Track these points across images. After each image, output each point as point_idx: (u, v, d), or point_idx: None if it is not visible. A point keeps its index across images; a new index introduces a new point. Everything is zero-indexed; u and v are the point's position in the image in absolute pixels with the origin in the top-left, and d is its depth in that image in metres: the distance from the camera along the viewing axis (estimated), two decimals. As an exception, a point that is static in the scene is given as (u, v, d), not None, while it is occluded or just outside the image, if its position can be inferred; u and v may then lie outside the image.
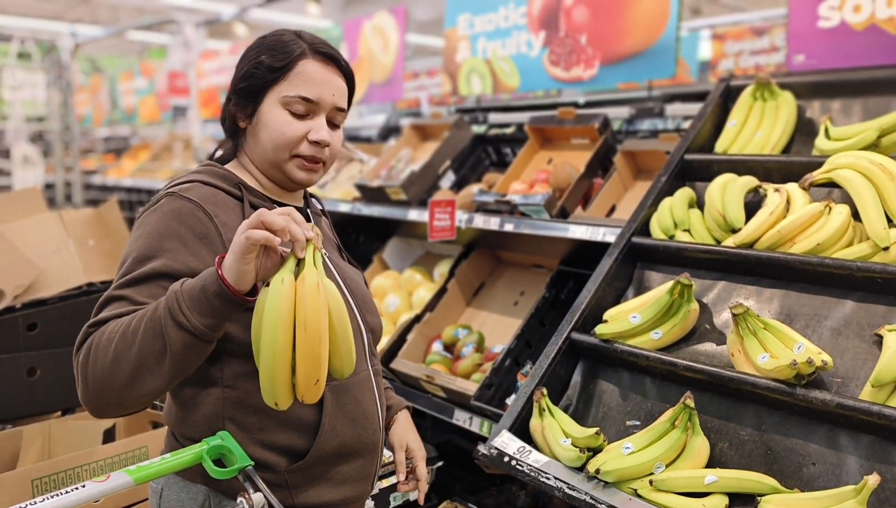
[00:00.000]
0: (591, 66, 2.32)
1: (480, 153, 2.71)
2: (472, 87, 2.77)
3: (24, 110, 6.25)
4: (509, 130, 2.65)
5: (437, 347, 2.27)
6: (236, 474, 1.08)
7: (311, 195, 1.42)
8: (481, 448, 1.38)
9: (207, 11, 8.88)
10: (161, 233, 1.12)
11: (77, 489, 1.00)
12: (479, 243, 2.53)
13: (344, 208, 2.63)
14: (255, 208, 1.20)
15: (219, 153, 1.33)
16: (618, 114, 2.48)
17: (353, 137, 3.47)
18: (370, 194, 2.55)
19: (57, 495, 0.99)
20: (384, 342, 2.29)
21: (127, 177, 5.94)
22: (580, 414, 1.48)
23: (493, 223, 2.19)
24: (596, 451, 1.31)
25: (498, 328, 2.37)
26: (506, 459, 1.34)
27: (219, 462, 1.10)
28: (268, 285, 1.01)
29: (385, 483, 2.00)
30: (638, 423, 1.37)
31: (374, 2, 7.87)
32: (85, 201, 6.44)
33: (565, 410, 1.49)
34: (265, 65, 1.21)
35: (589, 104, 2.78)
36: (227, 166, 1.28)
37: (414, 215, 2.40)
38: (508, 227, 2.15)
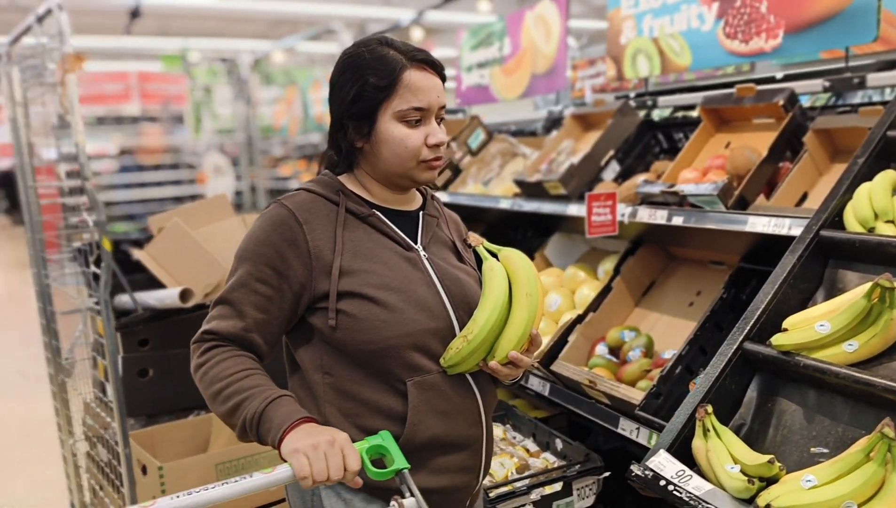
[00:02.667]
0: (774, 35, 2.05)
1: (649, 140, 2.52)
2: (639, 69, 2.57)
3: (213, 124, 6.96)
4: (681, 114, 2.43)
5: (601, 349, 2.14)
6: (392, 476, 1.09)
7: (432, 196, 1.47)
8: (634, 469, 1.25)
9: (387, 19, 9.25)
10: (259, 238, 1.28)
11: (245, 478, 1.07)
12: (649, 238, 2.34)
13: (504, 204, 2.57)
14: (350, 212, 1.32)
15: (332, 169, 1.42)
16: (810, 88, 2.17)
17: (517, 132, 3.40)
18: (529, 189, 2.46)
19: (228, 483, 1.06)
20: (544, 343, 2.20)
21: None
22: (755, 437, 1.29)
23: (659, 217, 2.01)
24: (770, 482, 1.13)
25: (670, 331, 2.19)
26: (662, 483, 1.20)
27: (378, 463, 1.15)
28: None
29: (548, 489, 1.93)
30: (825, 451, 1.17)
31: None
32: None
33: (737, 431, 1.31)
34: (372, 85, 1.28)
35: (788, 78, 2.45)
36: (342, 178, 1.38)
37: (574, 209, 2.27)
38: (677, 220, 1.96)
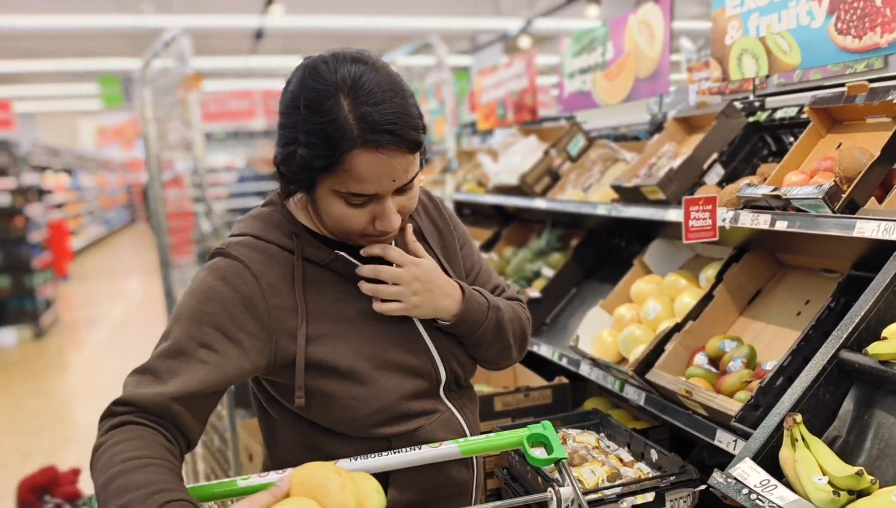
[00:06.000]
0: (890, 29, 1.92)
1: (756, 143, 2.42)
2: (745, 69, 2.48)
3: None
4: (790, 115, 2.32)
5: (699, 359, 2.08)
6: (552, 463, 1.10)
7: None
8: (716, 476, 1.22)
9: (496, 29, 9.34)
10: (204, 294, 1.05)
11: (414, 449, 1.10)
12: (755, 244, 2.25)
13: (602, 210, 2.55)
14: (308, 260, 1.09)
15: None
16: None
17: (619, 137, 3.35)
18: (626, 194, 2.43)
19: (396, 452, 1.09)
20: (639, 351, 2.16)
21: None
22: (849, 450, 1.23)
23: (762, 221, 1.93)
24: (861, 495, 1.07)
25: (776, 341, 2.09)
26: (744, 492, 1.16)
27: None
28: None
29: (639, 499, 1.89)
30: (925, 468, 1.09)
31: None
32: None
33: (831, 443, 1.25)
34: (304, 159, 1.00)
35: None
36: (292, 202, 1.16)
37: (674, 215, 2.22)
38: (781, 225, 1.87)
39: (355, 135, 0.98)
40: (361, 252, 1.15)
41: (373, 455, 1.07)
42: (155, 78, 3.45)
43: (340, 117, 0.98)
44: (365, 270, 1.14)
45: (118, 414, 1.00)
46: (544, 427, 1.12)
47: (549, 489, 1.06)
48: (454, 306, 1.18)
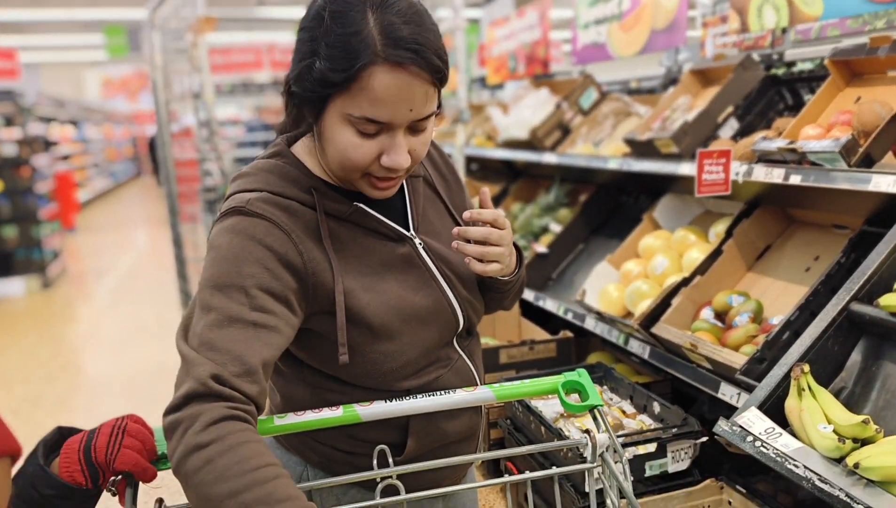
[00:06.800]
0: (918, -24, 1.86)
1: (773, 97, 2.37)
2: (765, 20, 2.42)
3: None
4: (808, 68, 2.27)
5: (706, 314, 2.07)
6: (587, 410, 1.10)
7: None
8: (722, 424, 1.22)
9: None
10: (237, 256, 0.97)
11: (448, 392, 1.11)
12: (766, 200, 2.22)
13: (613, 164, 2.52)
14: (329, 215, 1.05)
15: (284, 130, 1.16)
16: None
17: (632, 91, 3.30)
18: (639, 148, 2.40)
19: (429, 395, 1.10)
20: (645, 305, 2.15)
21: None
22: (855, 400, 1.22)
23: (775, 176, 1.90)
24: (865, 443, 1.07)
25: (783, 297, 2.08)
26: (749, 439, 1.17)
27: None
28: None
29: (641, 449, 1.90)
30: (932, 417, 1.09)
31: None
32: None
33: (837, 394, 1.24)
34: (321, 73, 0.94)
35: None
36: (299, 149, 1.12)
37: (686, 169, 2.19)
38: (795, 179, 1.84)
39: (378, 49, 0.92)
40: (465, 214, 1.12)
41: (412, 397, 1.08)
42: (163, 24, 3.39)
43: (365, 30, 0.92)
44: (476, 232, 1.11)
45: (206, 403, 0.88)
46: (579, 375, 1.12)
47: (585, 434, 1.07)
48: (514, 262, 1.20)
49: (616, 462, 1.04)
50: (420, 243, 1.14)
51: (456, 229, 1.11)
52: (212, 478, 0.83)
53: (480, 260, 1.11)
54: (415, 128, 1.01)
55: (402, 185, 1.18)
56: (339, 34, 0.93)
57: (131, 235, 11.59)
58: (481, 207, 1.16)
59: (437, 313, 1.13)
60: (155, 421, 0.99)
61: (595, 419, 1.09)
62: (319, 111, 1.00)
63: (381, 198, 1.09)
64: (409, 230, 1.14)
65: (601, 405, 1.09)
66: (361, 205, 1.09)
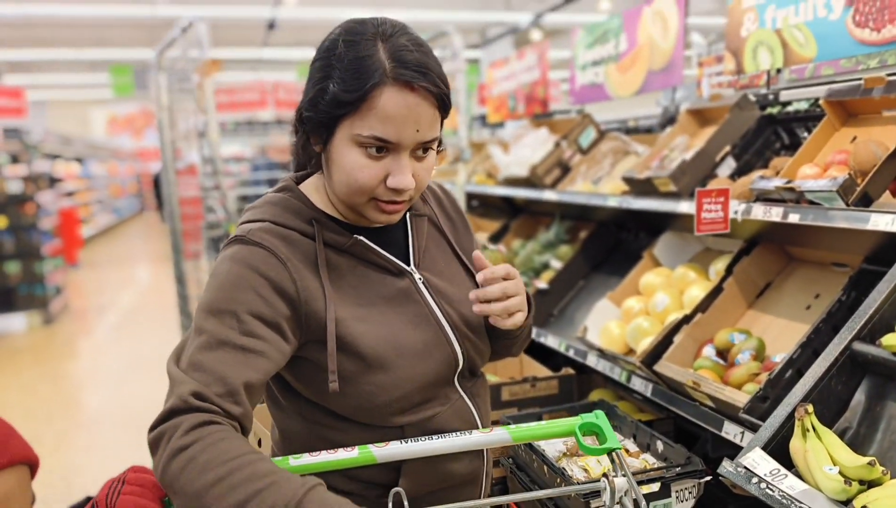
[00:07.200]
0: (908, 20, 1.90)
1: (769, 136, 2.40)
2: (760, 62, 2.46)
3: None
4: (803, 108, 2.30)
5: (707, 351, 2.07)
6: (605, 453, 1.09)
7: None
8: (726, 465, 1.21)
9: (506, 22, 9.30)
10: (233, 283, 1.01)
11: (464, 434, 1.10)
12: (765, 238, 2.24)
13: (613, 202, 2.54)
14: (329, 246, 1.09)
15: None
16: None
17: (630, 129, 3.34)
18: (638, 186, 2.42)
19: (442, 437, 1.08)
20: (647, 342, 2.15)
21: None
22: (860, 441, 1.22)
23: (774, 214, 1.92)
24: (871, 485, 1.07)
25: (784, 334, 2.08)
26: (754, 480, 1.16)
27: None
28: None
29: (645, 489, 1.88)
30: (936, 459, 1.09)
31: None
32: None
33: (842, 434, 1.24)
34: (332, 95, 1.01)
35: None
36: (307, 185, 1.16)
37: (685, 207, 2.21)
38: (793, 218, 1.86)
39: (388, 70, 0.99)
40: (479, 276, 1.14)
41: (427, 438, 1.06)
42: (170, 65, 3.45)
43: (376, 55, 1.00)
44: (495, 291, 1.12)
45: (190, 411, 0.92)
46: (597, 416, 1.11)
47: (603, 478, 1.06)
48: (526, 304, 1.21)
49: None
50: (420, 279, 1.15)
51: (473, 294, 1.13)
52: (196, 473, 0.86)
53: (506, 315, 1.13)
54: (419, 154, 1.05)
55: (406, 222, 1.20)
56: (351, 58, 1.00)
57: (134, 271, 11.62)
58: (477, 270, 1.17)
59: (434, 349, 1.13)
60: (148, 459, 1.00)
61: (613, 462, 1.08)
62: (329, 135, 1.05)
63: (387, 223, 1.11)
64: (409, 265, 1.16)
65: (620, 449, 1.07)
66: (361, 238, 1.12)
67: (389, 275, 1.14)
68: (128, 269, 11.82)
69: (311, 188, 1.16)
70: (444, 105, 1.04)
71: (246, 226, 1.09)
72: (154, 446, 0.92)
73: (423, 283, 1.16)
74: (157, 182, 16.31)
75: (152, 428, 0.93)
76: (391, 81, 0.99)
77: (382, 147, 1.02)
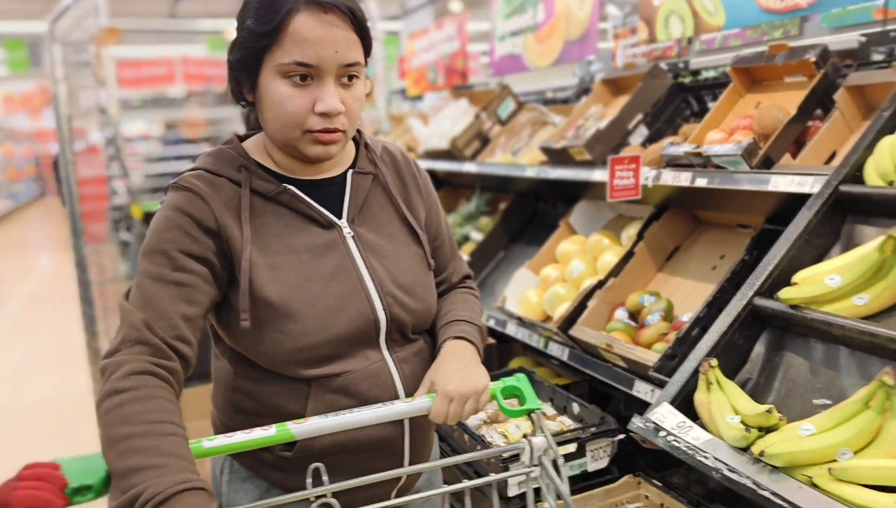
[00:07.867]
0: (807, -11, 1.97)
1: (680, 104, 2.46)
2: (672, 30, 2.51)
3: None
4: (712, 75, 2.37)
5: (620, 314, 2.12)
6: (525, 414, 1.11)
7: (366, 144, 1.26)
8: (636, 420, 1.24)
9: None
10: (163, 226, 1.08)
11: (388, 405, 1.08)
12: (675, 203, 2.30)
13: (531, 172, 2.56)
14: (256, 192, 1.12)
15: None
16: (845, 43, 2.09)
17: (548, 101, 3.36)
18: (555, 155, 2.44)
19: (372, 408, 1.07)
20: (563, 309, 2.19)
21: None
22: (760, 390, 1.27)
23: (683, 179, 1.97)
24: (770, 431, 1.11)
25: (692, 295, 2.15)
26: (662, 434, 1.19)
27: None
28: None
29: (561, 450, 1.91)
30: (829, 402, 1.14)
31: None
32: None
33: (743, 385, 1.29)
34: (250, 29, 1.05)
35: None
36: (249, 141, 1.20)
37: (599, 175, 2.25)
38: (701, 182, 1.91)
39: (297, 0, 1.03)
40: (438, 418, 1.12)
41: (349, 412, 1.05)
42: (64, 35, 3.23)
43: None
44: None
45: (136, 346, 1.00)
46: (518, 380, 1.13)
47: (523, 439, 1.08)
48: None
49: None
50: (350, 233, 1.16)
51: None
52: (116, 420, 0.92)
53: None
54: (344, 82, 1.07)
55: (346, 179, 1.20)
56: None
57: (34, 258, 10.98)
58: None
59: (349, 303, 1.12)
60: (59, 454, 0.99)
61: (533, 422, 1.10)
62: (256, 75, 1.08)
63: (326, 157, 1.11)
64: (341, 219, 1.17)
65: (539, 409, 1.09)
66: (290, 187, 1.14)
67: (316, 226, 1.15)
68: (27, 257, 11.16)
69: (251, 143, 1.19)
70: (360, 29, 1.07)
71: (183, 175, 1.14)
72: (102, 375, 1.00)
73: (352, 237, 1.17)
74: (56, 164, 15.42)
75: (104, 356, 1.01)
76: (304, 5, 1.03)
77: (306, 74, 1.04)
